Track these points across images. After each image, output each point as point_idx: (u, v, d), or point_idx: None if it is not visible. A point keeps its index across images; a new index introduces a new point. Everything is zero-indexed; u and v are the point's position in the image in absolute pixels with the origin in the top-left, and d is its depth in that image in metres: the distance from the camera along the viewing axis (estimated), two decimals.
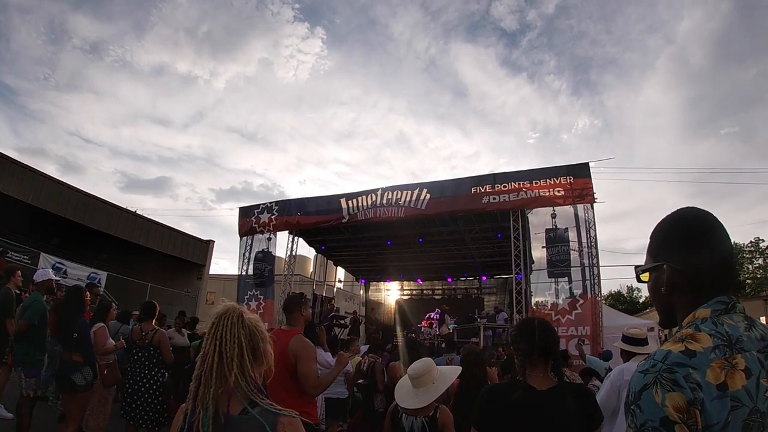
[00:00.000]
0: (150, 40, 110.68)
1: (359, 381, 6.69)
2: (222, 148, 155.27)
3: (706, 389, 1.06)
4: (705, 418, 1.04)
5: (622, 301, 53.65)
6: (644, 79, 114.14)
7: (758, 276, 44.51)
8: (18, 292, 6.22)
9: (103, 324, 6.10)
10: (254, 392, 1.63)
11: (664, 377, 1.08)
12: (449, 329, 15.65)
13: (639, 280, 1.40)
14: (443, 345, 11.26)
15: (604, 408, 3.89)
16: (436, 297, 23.34)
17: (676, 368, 1.09)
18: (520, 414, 2.15)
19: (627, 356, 4.42)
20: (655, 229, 1.36)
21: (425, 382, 3.32)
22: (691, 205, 1.33)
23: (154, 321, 6.08)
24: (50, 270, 6.32)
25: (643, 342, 4.45)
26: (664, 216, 1.35)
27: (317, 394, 3.81)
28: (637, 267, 1.39)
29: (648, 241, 1.37)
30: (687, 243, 1.27)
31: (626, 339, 4.47)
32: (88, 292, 6.06)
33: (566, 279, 11.99)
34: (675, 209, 1.34)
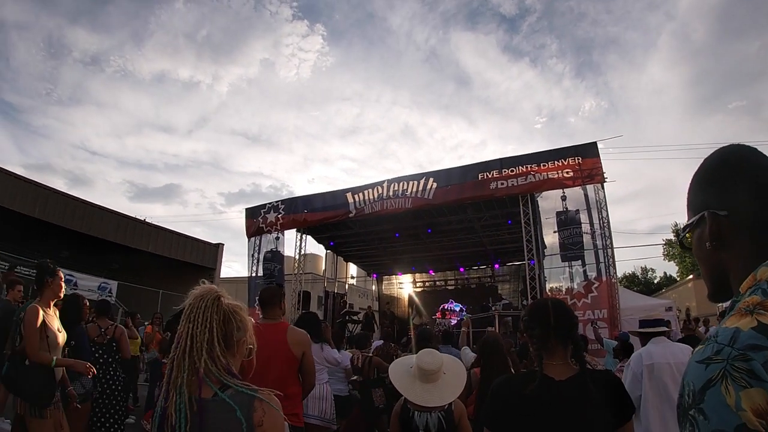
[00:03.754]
0: (150, 48, 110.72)
1: (353, 377, 6.45)
2: (228, 152, 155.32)
3: None
4: None
5: (637, 283, 53.02)
6: (647, 58, 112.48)
7: None
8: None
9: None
10: (226, 375, 1.51)
11: (737, 367, 0.74)
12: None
13: (684, 247, 1.09)
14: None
15: None
16: (449, 288, 23.15)
17: (751, 353, 0.74)
18: (536, 409, 1.82)
19: (644, 339, 4.10)
20: (691, 179, 1.06)
21: (440, 375, 3.10)
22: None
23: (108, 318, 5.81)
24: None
25: (659, 322, 4.14)
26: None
27: (314, 383, 3.61)
28: (678, 232, 1.08)
29: (686, 198, 1.07)
30: (729, 180, 0.97)
31: (642, 323, 4.19)
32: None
33: (580, 262, 11.75)
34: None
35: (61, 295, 4.28)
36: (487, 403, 2.01)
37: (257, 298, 4.22)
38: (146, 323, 10.69)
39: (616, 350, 6.75)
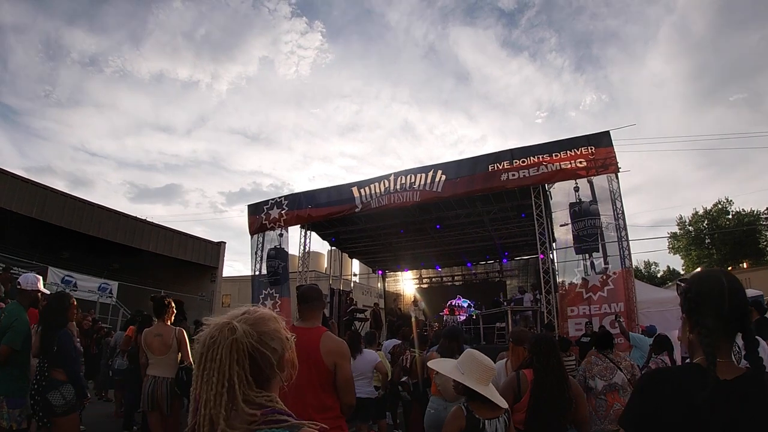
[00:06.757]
0: (148, 48, 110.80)
1: (403, 379, 6.14)
2: (227, 151, 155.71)
3: None
4: None
5: (640, 277, 52.66)
6: (647, 51, 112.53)
7: None
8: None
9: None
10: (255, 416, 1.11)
11: None
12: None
13: None
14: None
15: None
16: (456, 283, 22.82)
17: None
18: (704, 417, 1.32)
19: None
20: None
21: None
22: None
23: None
24: (40, 279, 5.43)
25: None
26: None
27: (353, 402, 3.12)
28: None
29: None
30: None
31: None
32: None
33: (595, 254, 11.44)
34: None
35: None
36: (632, 402, 1.51)
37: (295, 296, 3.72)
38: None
39: (654, 345, 6.53)
